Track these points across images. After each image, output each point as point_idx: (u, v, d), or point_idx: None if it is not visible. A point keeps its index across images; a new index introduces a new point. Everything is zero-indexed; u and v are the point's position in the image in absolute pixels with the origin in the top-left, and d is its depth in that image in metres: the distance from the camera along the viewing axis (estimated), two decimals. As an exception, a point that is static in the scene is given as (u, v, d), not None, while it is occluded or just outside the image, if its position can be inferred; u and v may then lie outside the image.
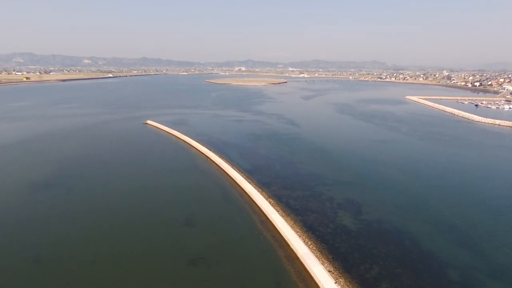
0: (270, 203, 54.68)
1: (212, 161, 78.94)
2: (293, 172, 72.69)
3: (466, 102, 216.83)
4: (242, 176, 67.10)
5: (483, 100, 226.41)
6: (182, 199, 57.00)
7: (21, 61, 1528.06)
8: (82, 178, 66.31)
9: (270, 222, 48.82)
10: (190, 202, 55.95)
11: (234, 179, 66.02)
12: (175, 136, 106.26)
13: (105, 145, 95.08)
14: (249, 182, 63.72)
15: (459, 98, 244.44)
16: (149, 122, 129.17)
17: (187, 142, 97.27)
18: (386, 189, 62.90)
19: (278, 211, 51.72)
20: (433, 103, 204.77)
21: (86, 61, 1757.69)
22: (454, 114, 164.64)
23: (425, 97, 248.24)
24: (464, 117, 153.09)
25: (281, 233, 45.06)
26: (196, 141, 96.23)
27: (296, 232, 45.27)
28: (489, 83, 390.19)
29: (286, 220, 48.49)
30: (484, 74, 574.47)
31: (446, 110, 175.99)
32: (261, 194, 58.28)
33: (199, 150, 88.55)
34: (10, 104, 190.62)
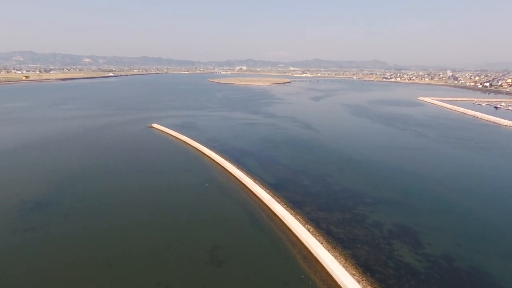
0: (309, 230, 45.43)
1: (230, 173, 69.58)
2: (324, 188, 63.30)
3: (484, 104, 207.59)
4: (269, 193, 57.76)
5: (501, 101, 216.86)
6: (202, 226, 47.61)
7: (21, 59, 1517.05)
8: (83, 197, 56.70)
9: (316, 259, 39.47)
10: (212, 229, 46.56)
11: (260, 197, 56.62)
12: (184, 142, 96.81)
13: (108, 153, 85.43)
14: (278, 202, 54.49)
15: (475, 99, 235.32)
16: (155, 125, 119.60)
17: (198, 150, 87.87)
18: (440, 211, 53.55)
19: (322, 243, 42.38)
20: (450, 105, 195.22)
21: (87, 59, 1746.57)
22: (476, 117, 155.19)
23: (438, 98, 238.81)
24: (489, 121, 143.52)
25: (335, 278, 35.71)
26: (209, 148, 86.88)
27: (353, 275, 35.93)
28: (499, 83, 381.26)
29: (335, 256, 39.17)
30: (489, 74, 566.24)
31: (467, 113, 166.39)
32: (295, 218, 49.05)
33: (213, 159, 79.18)
34: (6, 104, 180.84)
